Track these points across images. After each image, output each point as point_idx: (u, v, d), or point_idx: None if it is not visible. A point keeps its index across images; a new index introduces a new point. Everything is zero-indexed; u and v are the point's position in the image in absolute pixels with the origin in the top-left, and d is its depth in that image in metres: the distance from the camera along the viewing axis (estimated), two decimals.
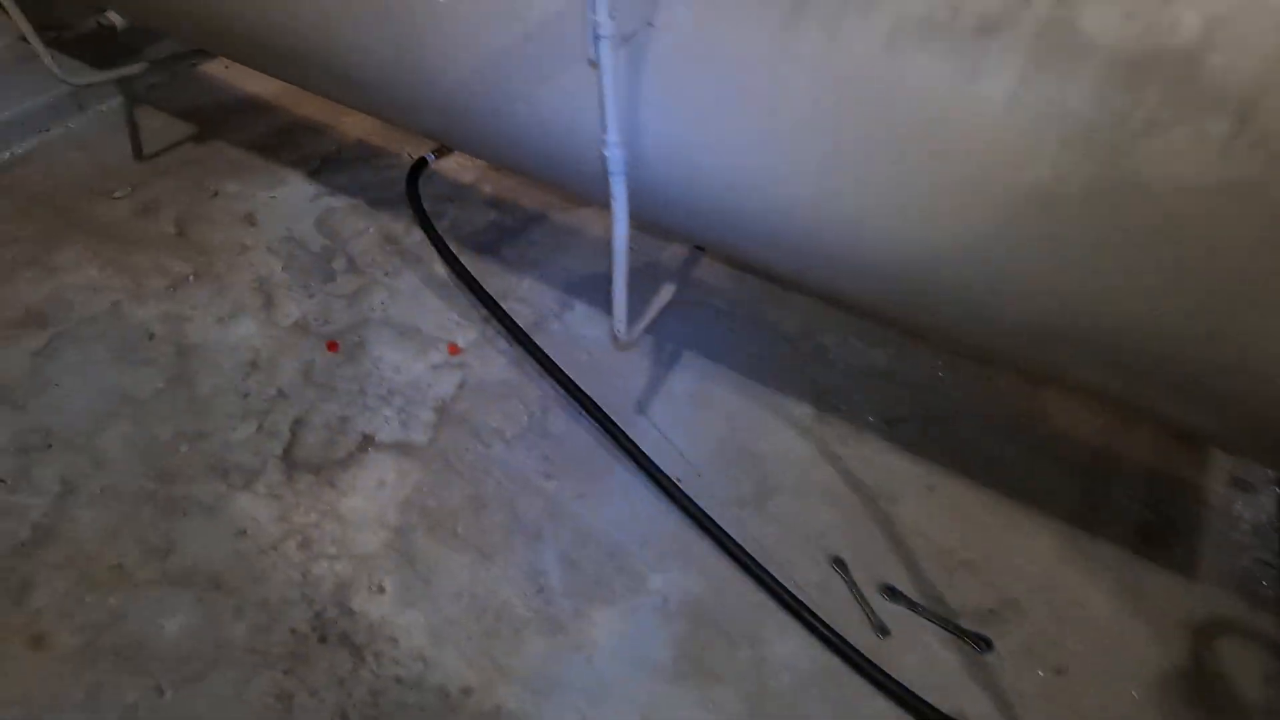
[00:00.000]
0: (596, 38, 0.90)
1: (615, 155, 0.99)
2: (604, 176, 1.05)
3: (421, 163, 1.97)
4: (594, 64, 0.94)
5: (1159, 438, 1.60)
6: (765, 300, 1.87)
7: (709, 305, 1.85)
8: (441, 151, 2.08)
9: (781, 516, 1.46)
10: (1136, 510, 1.49)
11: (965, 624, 1.33)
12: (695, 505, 1.42)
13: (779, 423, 1.61)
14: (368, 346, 1.73)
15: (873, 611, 1.34)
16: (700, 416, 1.62)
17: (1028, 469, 1.55)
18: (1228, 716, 1.25)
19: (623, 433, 1.51)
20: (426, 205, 2.02)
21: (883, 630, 1.32)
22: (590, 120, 1.02)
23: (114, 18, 1.78)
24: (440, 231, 1.93)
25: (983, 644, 1.31)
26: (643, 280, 1.84)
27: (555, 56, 1.06)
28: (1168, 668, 1.29)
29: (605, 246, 1.98)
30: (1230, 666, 1.30)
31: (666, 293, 1.65)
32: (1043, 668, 1.29)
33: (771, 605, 1.34)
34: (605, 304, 1.82)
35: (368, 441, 1.56)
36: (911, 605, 1.35)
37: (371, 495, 1.47)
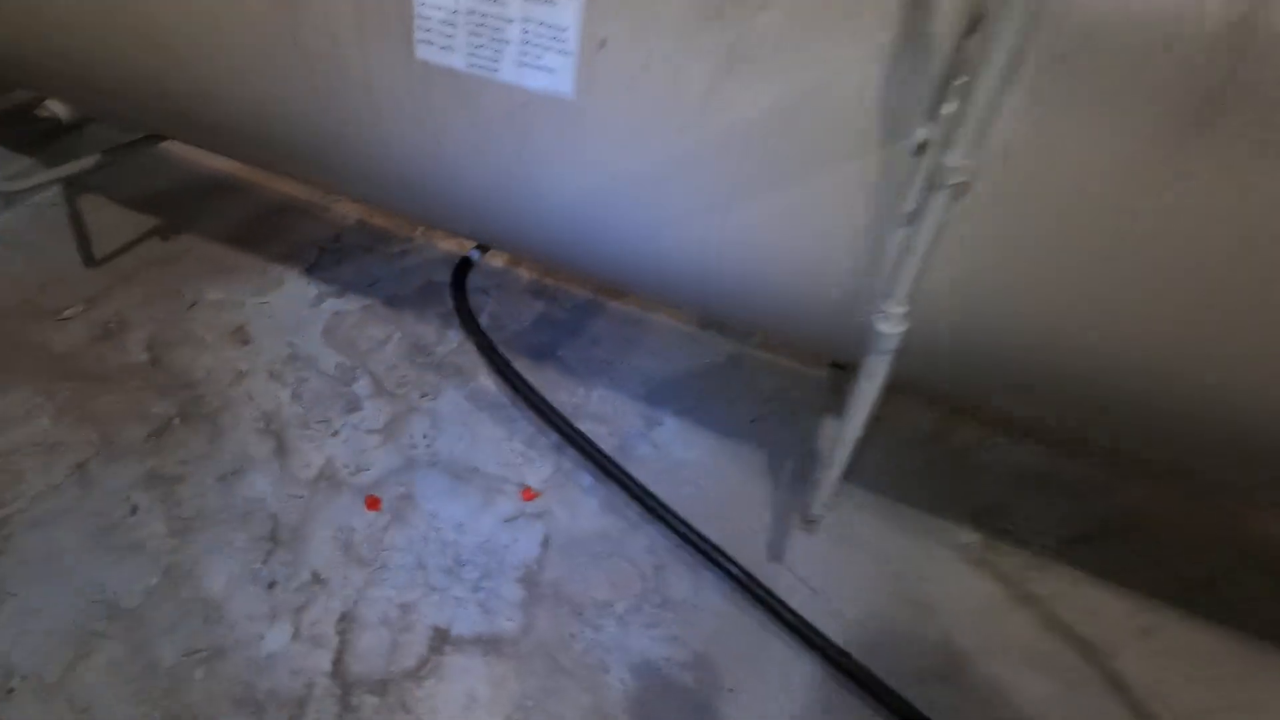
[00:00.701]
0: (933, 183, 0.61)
1: (893, 329, 0.69)
2: (847, 336, 0.76)
3: (466, 262, 1.62)
4: (909, 216, 0.64)
5: None
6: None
7: (804, 404, 1.56)
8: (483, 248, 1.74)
9: (984, 692, 1.18)
10: None
11: None
12: (890, 691, 1.12)
13: (943, 555, 1.33)
14: (417, 499, 1.38)
15: None
16: (846, 557, 1.32)
17: (1243, 589, 1.30)
18: None
19: (776, 599, 1.20)
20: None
21: None
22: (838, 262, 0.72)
23: (55, 108, 1.40)
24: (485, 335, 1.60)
25: None
26: (723, 377, 1.55)
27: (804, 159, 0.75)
28: None
29: (681, 336, 1.68)
30: None
31: (829, 441, 1.36)
32: None
33: None
34: (700, 415, 1.51)
35: (442, 638, 1.21)
36: None
37: (461, 718, 1.13)
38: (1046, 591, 1.29)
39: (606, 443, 1.45)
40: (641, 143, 0.84)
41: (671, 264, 0.95)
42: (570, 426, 1.42)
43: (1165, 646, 1.23)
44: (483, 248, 1.62)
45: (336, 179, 1.19)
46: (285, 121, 1.09)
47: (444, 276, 1.75)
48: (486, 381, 1.58)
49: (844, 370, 1.60)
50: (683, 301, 1.09)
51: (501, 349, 1.59)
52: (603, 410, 1.54)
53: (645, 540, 1.33)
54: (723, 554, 1.25)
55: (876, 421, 1.53)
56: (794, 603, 1.23)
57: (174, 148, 2.17)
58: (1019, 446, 1.50)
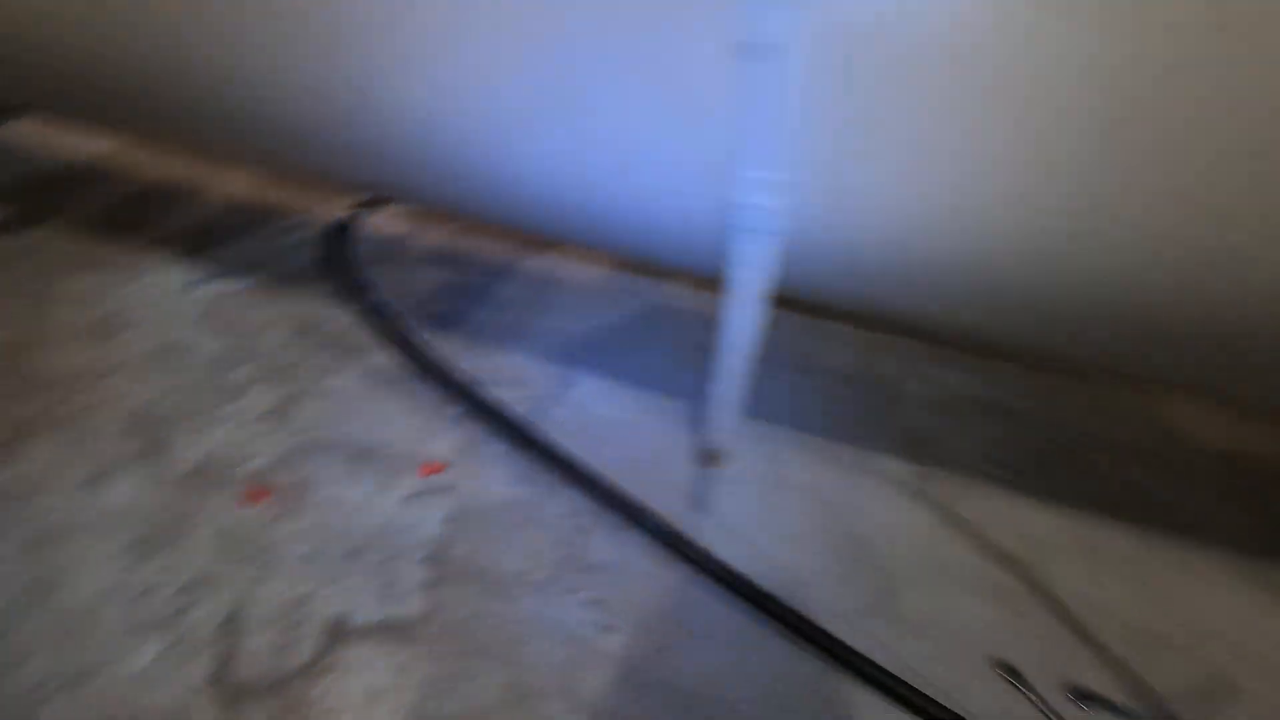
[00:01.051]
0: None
1: (765, 205, 0.61)
2: (710, 236, 0.68)
3: (345, 225, 1.50)
4: (746, 56, 0.56)
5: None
6: (806, 337, 1.53)
7: None
8: (375, 204, 1.62)
9: (921, 621, 1.13)
10: None
11: (1180, 716, 1.04)
12: (823, 633, 1.06)
13: (877, 488, 1.27)
14: (309, 486, 1.26)
15: None
16: (778, 499, 1.26)
17: (1180, 499, 1.28)
18: None
19: (699, 551, 1.13)
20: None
21: None
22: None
23: None
24: (380, 307, 1.48)
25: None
26: (644, 328, 1.47)
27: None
28: None
29: (598, 292, 1.59)
30: None
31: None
32: None
33: None
34: (620, 370, 1.43)
35: (338, 631, 1.09)
36: (1112, 709, 1.05)
37: (364, 714, 1.02)
38: (980, 514, 1.25)
39: (520, 408, 1.36)
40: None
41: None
42: (473, 393, 1.32)
43: (1103, 561, 1.20)
44: (372, 204, 1.50)
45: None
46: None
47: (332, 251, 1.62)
48: (382, 358, 1.46)
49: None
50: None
51: (401, 320, 1.48)
52: (517, 374, 1.44)
53: (563, 505, 1.24)
54: (641, 510, 1.17)
55: (804, 370, 1.48)
56: (725, 551, 1.16)
57: (31, 128, 1.97)
58: (949, 375, 1.46)
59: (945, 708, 1.01)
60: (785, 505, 1.25)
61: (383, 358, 1.45)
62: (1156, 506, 1.26)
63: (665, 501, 1.23)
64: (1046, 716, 1.03)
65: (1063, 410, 1.40)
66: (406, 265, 1.66)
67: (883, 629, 1.11)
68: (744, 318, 0.80)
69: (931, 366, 1.46)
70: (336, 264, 1.44)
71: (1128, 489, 1.29)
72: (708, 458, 1.24)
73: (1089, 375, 1.46)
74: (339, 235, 1.48)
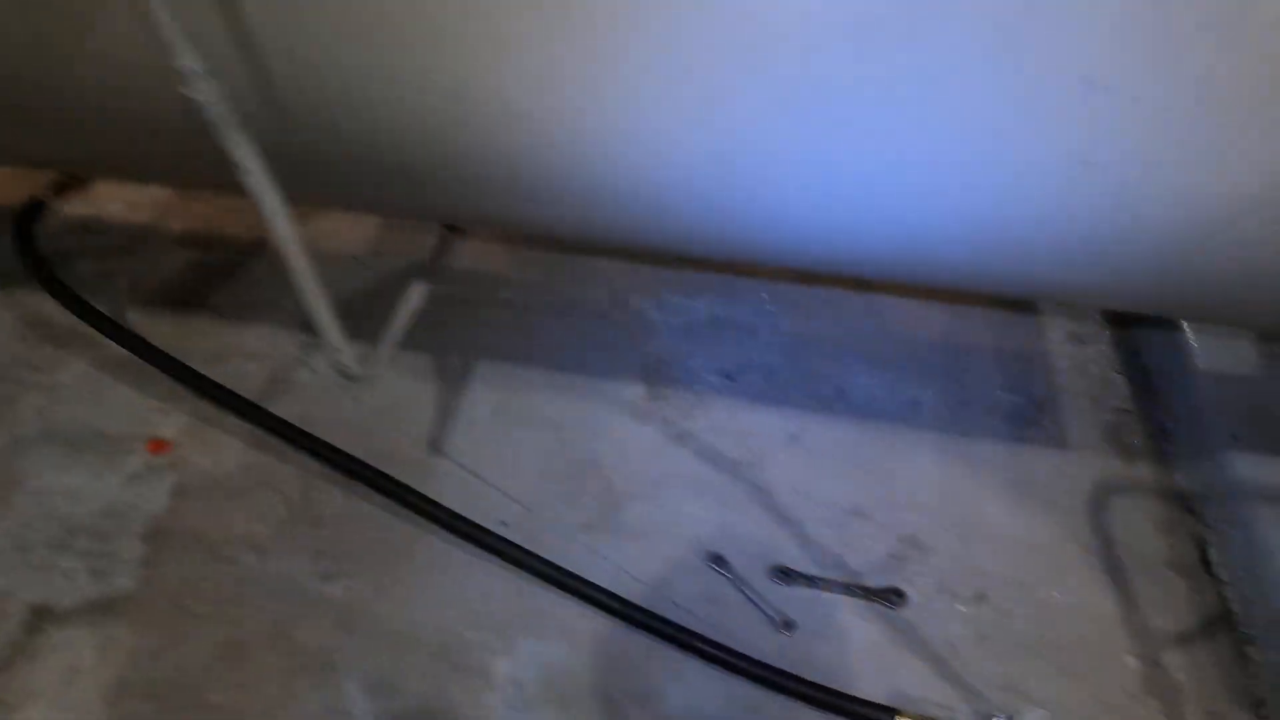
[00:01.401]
0: None
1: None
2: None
3: (35, 208, 1.43)
4: None
5: (990, 313, 1.52)
6: (559, 275, 1.57)
7: (492, 298, 1.52)
8: (66, 187, 1.55)
9: (639, 528, 1.19)
10: (998, 396, 1.39)
11: (872, 582, 1.14)
12: (526, 553, 1.10)
13: (611, 416, 1.33)
14: (19, 479, 1.21)
15: (769, 606, 1.10)
16: (516, 436, 1.29)
17: (885, 386, 1.39)
18: (1141, 579, 1.16)
19: (407, 488, 1.15)
20: (89, 267, 1.50)
21: (786, 625, 1.09)
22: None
23: None
24: (114, 296, 1.43)
25: (895, 598, 1.12)
26: (386, 285, 1.47)
27: None
28: (1075, 553, 1.18)
29: (357, 260, 1.58)
30: (1128, 528, 1.22)
31: (418, 295, 1.30)
32: (963, 601, 1.13)
33: (657, 645, 1.07)
34: (369, 331, 1.43)
35: (41, 617, 1.06)
36: (809, 581, 1.14)
37: (61, 693, 1.00)
38: (707, 425, 1.32)
39: (257, 379, 1.34)
40: None
41: None
42: (190, 370, 1.29)
43: (810, 449, 1.30)
44: (63, 186, 1.44)
45: None
46: None
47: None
48: (115, 346, 1.41)
49: (455, 231, 1.52)
50: None
51: (138, 308, 1.43)
52: (258, 347, 1.41)
53: (294, 468, 1.23)
54: (351, 458, 1.18)
55: (553, 308, 1.52)
56: (454, 493, 1.19)
57: None
58: (695, 302, 1.53)
59: (618, 590, 1.07)
60: (522, 440, 1.28)
61: (115, 347, 1.40)
62: (863, 396, 1.37)
63: (402, 450, 1.25)
64: (748, 597, 1.11)
65: (796, 320, 1.49)
66: (154, 250, 1.60)
67: (601, 541, 1.16)
68: (270, 216, 0.81)
69: (677, 294, 1.53)
70: (27, 251, 1.38)
71: (844, 383, 1.39)
72: (346, 377, 1.21)
73: (815, 283, 1.56)
74: (27, 222, 1.42)
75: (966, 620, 1.11)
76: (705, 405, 1.35)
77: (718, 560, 1.15)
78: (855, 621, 1.10)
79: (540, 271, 1.58)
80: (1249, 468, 1.16)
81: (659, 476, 1.25)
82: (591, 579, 1.09)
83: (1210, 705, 1.04)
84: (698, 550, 1.16)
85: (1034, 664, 1.07)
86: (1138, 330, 1.46)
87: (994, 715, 0.99)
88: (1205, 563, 1.17)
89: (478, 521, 1.14)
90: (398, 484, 1.15)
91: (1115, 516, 1.23)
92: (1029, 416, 1.36)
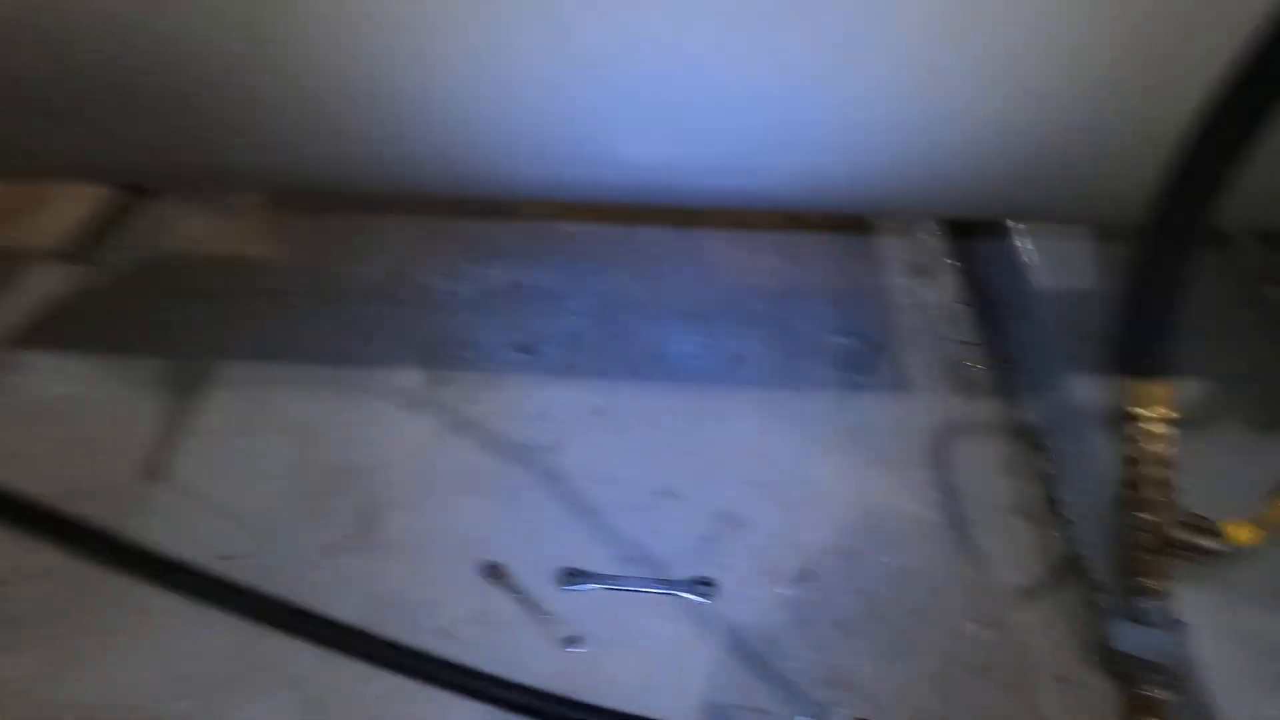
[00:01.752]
0: None
1: None
2: None
3: None
4: None
5: (822, 246, 1.36)
6: (325, 248, 1.34)
7: (245, 284, 1.28)
8: None
9: (401, 542, 0.98)
10: (829, 341, 1.24)
11: (678, 573, 0.97)
12: (242, 593, 0.89)
13: (378, 411, 1.12)
14: None
15: (554, 618, 0.92)
16: (256, 447, 1.07)
17: (704, 342, 1.22)
18: (985, 531, 1.02)
19: (80, 529, 0.92)
20: None
21: (571, 640, 0.91)
22: None
23: None
24: None
25: (704, 588, 0.96)
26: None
27: None
28: (912, 511, 1.04)
29: (54, 264, 1.31)
30: (971, 474, 1.08)
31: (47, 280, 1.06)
32: (783, 582, 0.97)
33: (413, 685, 0.87)
34: (80, 341, 1.18)
35: None
36: (604, 581, 0.96)
37: None
38: (492, 408, 1.13)
39: None
40: None
41: None
42: None
43: (611, 424, 1.12)
44: None
45: None
46: None
47: None
48: None
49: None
50: None
51: None
52: None
53: None
54: (13, 503, 0.94)
55: (320, 291, 1.29)
56: (175, 522, 0.97)
57: None
58: (493, 267, 1.33)
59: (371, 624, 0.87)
60: (263, 452, 1.06)
61: None
62: (684, 355, 1.20)
63: (109, 480, 1.02)
64: (530, 610, 0.93)
65: (607, 277, 1.31)
66: None
67: (353, 562, 0.96)
68: None
69: (471, 261, 1.33)
70: None
71: (657, 344, 1.21)
72: None
73: (635, 221, 1.38)
74: None
75: (786, 604, 0.95)
76: (495, 386, 1.15)
77: (494, 571, 0.96)
78: (656, 623, 0.93)
79: (303, 245, 1.35)
80: (1090, 390, 1.03)
81: (430, 477, 1.04)
82: (332, 614, 0.89)
83: (1060, 670, 0.90)
84: (472, 561, 0.97)
85: (861, 647, 0.91)
86: (979, 255, 1.33)
87: (796, 718, 0.83)
88: (1052, 502, 1.04)
89: (190, 559, 0.92)
90: (69, 525, 0.92)
91: (957, 463, 1.09)
92: (863, 361, 1.21)
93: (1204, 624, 0.80)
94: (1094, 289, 1.14)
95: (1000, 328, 1.24)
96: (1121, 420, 0.71)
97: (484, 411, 1.12)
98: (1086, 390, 1.04)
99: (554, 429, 1.10)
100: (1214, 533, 0.69)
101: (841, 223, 1.41)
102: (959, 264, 1.34)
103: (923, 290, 1.31)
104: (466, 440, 1.09)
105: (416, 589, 0.94)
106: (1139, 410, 0.70)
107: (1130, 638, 0.72)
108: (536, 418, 1.12)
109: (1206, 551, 0.69)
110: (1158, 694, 0.76)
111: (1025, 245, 1.19)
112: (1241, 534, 0.68)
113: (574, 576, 0.96)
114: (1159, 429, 0.70)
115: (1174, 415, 0.69)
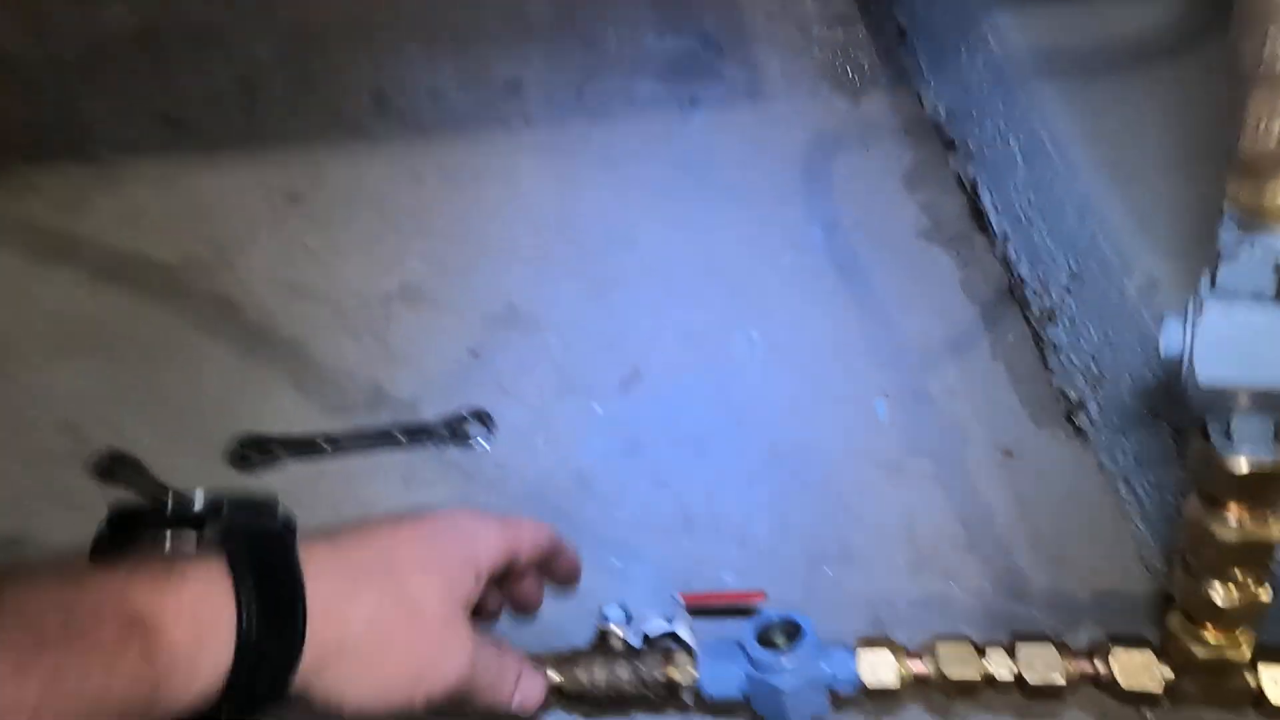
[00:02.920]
0: None
1: None
2: None
3: None
4: None
5: None
6: None
7: None
8: None
9: None
10: (650, 45, 0.82)
11: (436, 414, 0.61)
12: None
13: None
14: None
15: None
16: None
17: (472, 69, 0.80)
18: (888, 277, 0.70)
19: None
20: None
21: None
22: None
23: None
24: None
25: (479, 427, 0.61)
26: None
27: None
28: (794, 261, 0.70)
29: None
30: (862, 200, 0.74)
31: None
32: (604, 395, 0.63)
33: None
34: None
35: None
36: (308, 450, 0.59)
37: None
38: (113, 216, 0.69)
39: None
40: None
41: None
42: None
43: (320, 208, 0.71)
44: None
45: None
46: None
47: None
48: None
49: None
50: None
51: None
52: None
53: None
54: None
55: None
56: None
57: None
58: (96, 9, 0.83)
59: None
60: None
61: None
62: (439, 91, 0.77)
63: None
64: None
65: (293, 6, 0.85)
66: None
67: None
68: None
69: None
70: None
71: (405, 78, 0.78)
72: None
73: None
74: None
75: (612, 425, 0.61)
76: (118, 181, 0.71)
77: (108, 468, 0.57)
78: (404, 498, 0.58)
79: None
80: (1010, 45, 0.68)
81: (14, 335, 0.62)
82: None
83: (1000, 439, 0.62)
84: (80, 453, 0.58)
85: (728, 465, 0.60)
86: None
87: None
88: (978, 215, 0.72)
89: None
90: None
91: (842, 187, 0.74)
92: (702, 66, 0.81)
93: None
94: None
95: None
96: None
97: (99, 224, 0.68)
98: (1005, 45, 0.68)
99: (221, 233, 0.69)
100: None
101: None
102: None
103: None
104: (67, 271, 0.66)
105: None
106: None
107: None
108: (189, 219, 0.69)
109: None
110: None
111: None
112: None
113: (251, 452, 0.58)
114: None
115: None
